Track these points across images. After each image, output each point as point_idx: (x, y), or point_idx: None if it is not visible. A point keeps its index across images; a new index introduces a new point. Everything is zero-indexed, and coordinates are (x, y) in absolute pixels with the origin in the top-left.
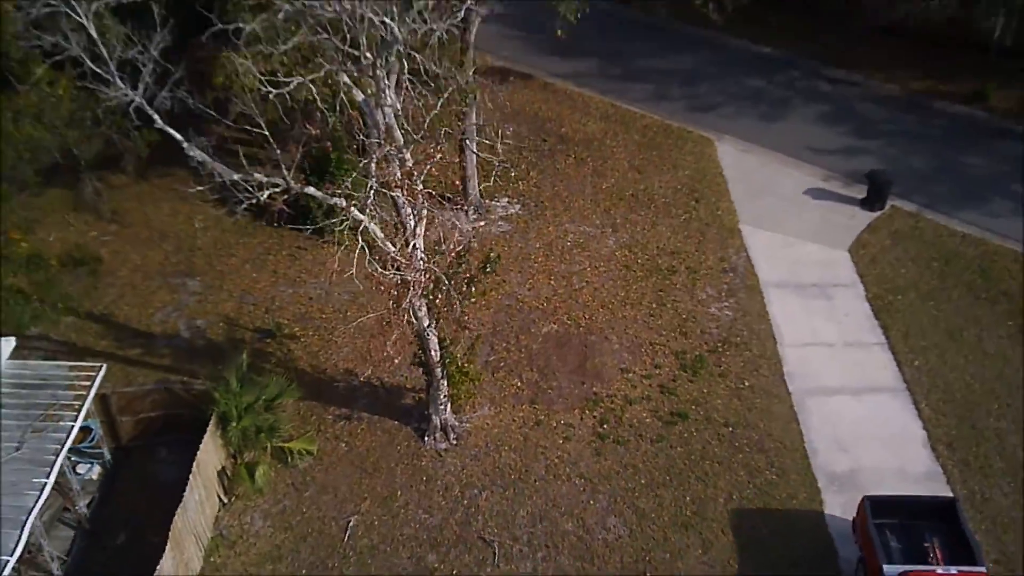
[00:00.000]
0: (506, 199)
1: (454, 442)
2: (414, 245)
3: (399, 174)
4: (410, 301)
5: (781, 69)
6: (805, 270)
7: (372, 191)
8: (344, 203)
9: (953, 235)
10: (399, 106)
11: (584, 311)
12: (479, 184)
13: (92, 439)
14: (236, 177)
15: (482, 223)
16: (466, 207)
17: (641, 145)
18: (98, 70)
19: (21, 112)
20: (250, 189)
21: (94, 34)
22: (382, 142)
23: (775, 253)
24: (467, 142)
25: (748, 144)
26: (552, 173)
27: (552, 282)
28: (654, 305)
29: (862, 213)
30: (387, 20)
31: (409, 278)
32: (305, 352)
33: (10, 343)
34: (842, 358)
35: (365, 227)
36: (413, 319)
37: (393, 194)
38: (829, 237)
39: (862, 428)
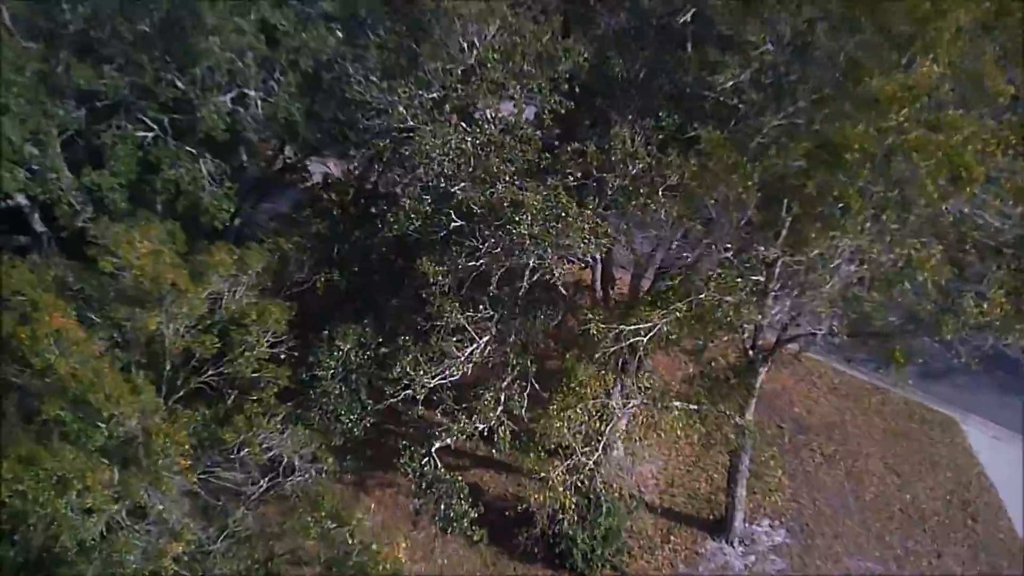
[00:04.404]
0: (767, 521)
1: None
2: None
3: None
4: None
5: None
6: None
7: None
8: None
9: None
10: None
11: None
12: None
13: None
14: None
15: (752, 558)
16: (730, 539)
17: (886, 433)
18: None
19: None
20: None
21: None
22: None
23: None
24: (739, 467)
25: (996, 428)
26: (803, 478)
27: None
28: None
29: None
30: None
31: None
32: None
33: None
34: None
35: None
36: None
37: None
38: None
39: None
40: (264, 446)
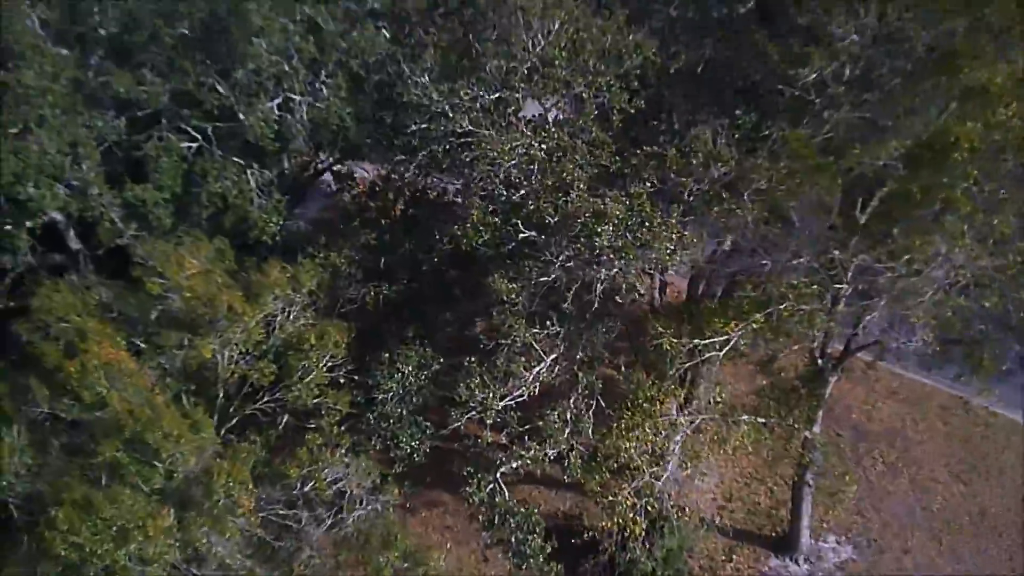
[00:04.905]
0: (833, 536)
1: None
2: None
3: None
4: None
5: None
6: None
7: None
8: None
9: None
10: None
11: None
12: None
13: None
14: None
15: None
16: (795, 556)
17: (948, 438)
18: None
19: None
20: None
21: None
22: None
23: None
24: (806, 481)
25: None
26: (867, 488)
27: None
28: None
29: None
30: None
31: None
32: None
33: None
34: None
35: None
36: None
37: None
38: None
39: None
40: (328, 480)
